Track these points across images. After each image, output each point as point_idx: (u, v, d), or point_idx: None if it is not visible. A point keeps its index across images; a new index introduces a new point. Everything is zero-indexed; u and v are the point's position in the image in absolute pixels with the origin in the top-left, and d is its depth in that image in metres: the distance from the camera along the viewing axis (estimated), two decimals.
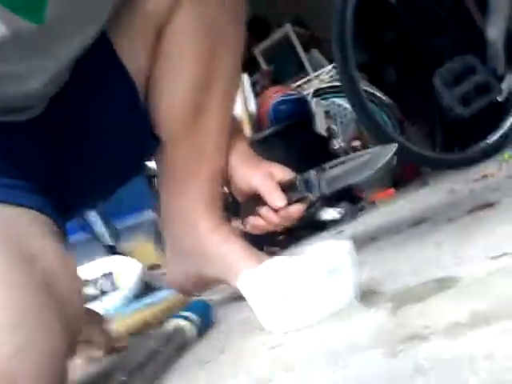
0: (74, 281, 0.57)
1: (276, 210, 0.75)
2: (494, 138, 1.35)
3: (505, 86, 1.27)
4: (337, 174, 0.73)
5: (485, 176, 1.05)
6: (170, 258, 0.87)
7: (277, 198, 0.75)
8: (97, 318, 0.90)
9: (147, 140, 0.80)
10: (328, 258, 0.52)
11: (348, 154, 1.85)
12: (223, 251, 0.80)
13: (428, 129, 1.59)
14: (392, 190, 1.59)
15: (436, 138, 1.56)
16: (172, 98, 0.78)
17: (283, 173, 0.78)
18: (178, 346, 0.59)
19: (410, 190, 1.45)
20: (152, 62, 0.77)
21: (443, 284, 0.44)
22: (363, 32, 1.49)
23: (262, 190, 0.76)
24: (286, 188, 0.75)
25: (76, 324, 0.55)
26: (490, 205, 0.71)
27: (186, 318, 0.62)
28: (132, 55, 0.76)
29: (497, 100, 1.26)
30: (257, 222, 0.78)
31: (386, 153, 0.70)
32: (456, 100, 1.21)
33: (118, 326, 1.03)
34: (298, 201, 0.75)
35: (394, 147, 0.70)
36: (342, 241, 0.54)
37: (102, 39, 0.72)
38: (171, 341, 0.59)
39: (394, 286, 0.51)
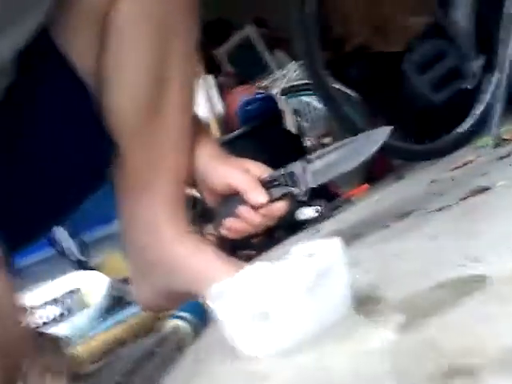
0: (10, 311, 0.45)
1: (256, 209, 0.65)
2: (465, 126, 1.27)
3: (475, 71, 1.19)
4: (325, 164, 0.63)
5: (465, 164, 0.97)
6: (135, 274, 0.75)
7: (258, 194, 0.64)
8: (56, 344, 0.78)
9: (104, 145, 0.70)
10: (316, 260, 0.41)
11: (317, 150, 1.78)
12: (192, 261, 0.69)
13: (397, 121, 1.51)
14: (366, 186, 1.50)
15: (406, 129, 1.48)
16: (123, 96, 0.68)
17: (260, 169, 0.68)
18: (174, 346, 0.55)
19: (384, 185, 1.37)
20: (100, 59, 0.67)
21: (466, 286, 0.34)
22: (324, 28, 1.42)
23: (240, 187, 0.66)
24: (267, 184, 0.65)
25: (11, 361, 0.44)
26: (485, 189, 0.62)
27: (181, 317, 0.58)
28: (79, 53, 0.67)
29: (465, 87, 1.18)
30: (235, 224, 0.67)
31: (380, 136, 0.61)
32: (427, 86, 1.13)
33: (84, 348, 0.91)
34: (280, 198, 0.65)
35: (388, 130, 0.60)
36: (329, 239, 0.43)
37: (45, 40, 0.63)
38: (167, 341, 0.55)
39: (398, 291, 0.40)
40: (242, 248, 1.32)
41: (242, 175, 0.68)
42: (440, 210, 0.62)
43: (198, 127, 0.74)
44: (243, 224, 0.68)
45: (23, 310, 0.48)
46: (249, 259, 1.30)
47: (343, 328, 0.37)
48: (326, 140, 1.70)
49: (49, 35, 0.65)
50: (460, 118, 1.26)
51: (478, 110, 1.26)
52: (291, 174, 0.65)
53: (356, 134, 1.30)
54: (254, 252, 1.32)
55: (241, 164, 0.70)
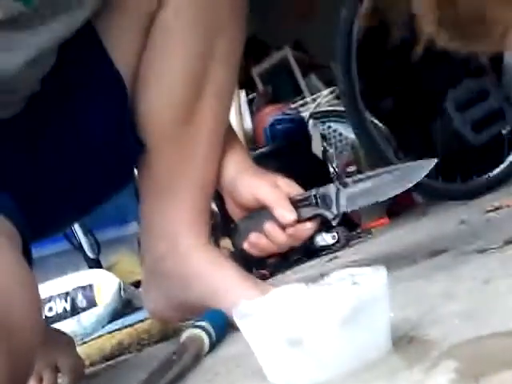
0: (30, 304, 0.42)
1: (283, 228, 0.61)
2: (497, 170, 1.23)
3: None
4: (361, 189, 0.60)
5: (499, 207, 0.92)
6: (148, 280, 0.72)
7: (286, 212, 0.61)
8: (65, 341, 0.74)
9: (131, 144, 0.67)
10: (359, 288, 0.37)
11: (341, 178, 1.75)
12: (210, 274, 0.65)
13: (429, 157, 1.47)
14: (387, 219, 1.45)
15: (436, 166, 1.44)
16: (159, 96, 0.65)
17: (292, 187, 0.64)
18: (193, 356, 0.52)
19: (406, 221, 1.32)
20: (140, 60, 0.65)
21: None
22: (361, 59, 1.40)
23: (268, 202, 0.62)
24: (297, 203, 0.62)
25: (27, 357, 0.40)
26: None
27: (201, 327, 0.56)
28: (120, 51, 0.65)
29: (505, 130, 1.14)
30: (259, 240, 0.63)
31: (424, 167, 0.57)
32: (468, 125, 1.09)
33: (90, 349, 0.87)
34: (309, 219, 0.61)
35: (432, 162, 0.56)
36: (375, 267, 0.39)
37: (90, 32, 0.62)
38: (185, 350, 0.52)
39: (446, 333, 0.36)
40: (257, 267, 1.27)
41: (272, 190, 0.64)
42: (482, 252, 0.57)
43: (230, 136, 0.71)
44: (267, 242, 0.64)
45: (39, 302, 0.45)
46: (262, 279, 1.26)
47: (386, 368, 0.33)
48: (351, 169, 1.67)
49: (93, 28, 0.63)
50: (494, 161, 1.21)
51: None
52: (324, 196, 0.61)
53: (382, 166, 1.28)
54: (267, 272, 1.27)
55: (271, 179, 0.66)
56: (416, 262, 0.68)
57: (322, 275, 0.41)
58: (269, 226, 0.63)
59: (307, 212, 0.62)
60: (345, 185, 0.62)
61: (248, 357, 0.40)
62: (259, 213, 0.65)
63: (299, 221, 0.62)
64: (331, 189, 0.62)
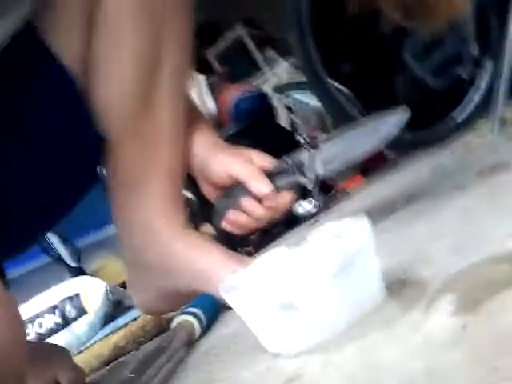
0: (12, 329, 0.39)
1: (261, 201, 0.59)
2: (461, 112, 1.23)
3: (473, 56, 1.15)
4: (336, 150, 0.57)
5: (467, 149, 0.91)
6: (133, 277, 0.69)
7: (262, 184, 0.58)
8: (60, 353, 0.72)
9: (92, 140, 0.63)
10: (343, 240, 0.35)
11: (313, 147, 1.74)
12: (193, 257, 0.63)
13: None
14: (361, 178, 1.44)
15: None
16: (114, 89, 0.61)
17: (264, 159, 0.61)
18: (184, 341, 0.51)
19: (380, 177, 1.31)
20: (87, 48, 0.61)
21: None
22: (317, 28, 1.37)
23: (243, 177, 0.60)
24: (271, 175, 0.59)
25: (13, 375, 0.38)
26: (503, 165, 0.56)
27: (190, 313, 0.55)
28: (64, 42, 0.60)
29: (464, 72, 1.14)
30: (237, 217, 0.61)
31: (399, 117, 0.55)
32: (428, 71, 1.08)
33: (88, 356, 0.85)
34: (286, 189, 0.59)
35: (407, 109, 0.54)
36: (355, 218, 0.37)
37: (29, 31, 0.57)
38: (177, 337, 0.51)
39: (436, 271, 0.34)
40: (240, 245, 1.26)
41: (245, 164, 0.62)
42: (458, 188, 0.55)
43: (195, 117, 0.68)
44: (246, 218, 0.62)
45: (22, 323, 0.42)
46: (248, 255, 1.24)
47: (383, 316, 0.31)
48: (320, 136, 1.66)
49: (34, 30, 0.59)
50: (455, 104, 1.21)
51: (476, 95, 1.21)
52: (298, 163, 0.59)
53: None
54: (252, 249, 1.26)
55: (243, 153, 0.64)
56: (399, 209, 0.67)
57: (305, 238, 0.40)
58: (245, 202, 0.61)
59: (283, 182, 0.60)
60: (317, 148, 0.60)
61: (243, 334, 0.38)
62: (235, 190, 0.63)
63: (277, 191, 0.60)
64: (304, 154, 0.60)
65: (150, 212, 0.64)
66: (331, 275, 0.33)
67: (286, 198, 0.61)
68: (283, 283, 0.33)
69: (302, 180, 0.60)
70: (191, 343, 0.51)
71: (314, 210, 1.25)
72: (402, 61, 1.12)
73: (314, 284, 0.33)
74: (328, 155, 0.59)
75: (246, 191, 0.61)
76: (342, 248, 0.34)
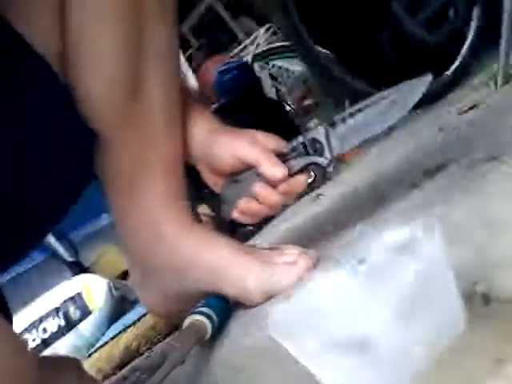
0: (11, 356, 0.34)
1: (274, 186, 0.53)
2: (454, 67, 1.17)
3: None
4: (352, 126, 0.52)
5: (472, 107, 0.86)
6: (139, 280, 0.63)
7: (275, 167, 0.53)
8: (71, 366, 0.67)
9: (82, 136, 0.56)
10: (410, 259, 0.28)
11: (300, 115, 1.68)
12: (201, 256, 0.57)
13: (384, 68, 1.40)
14: (359, 147, 1.39)
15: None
16: (97, 78, 0.54)
17: (273, 139, 0.56)
18: (194, 341, 0.49)
19: (377, 144, 1.25)
20: (63, 34, 0.54)
21: None
22: None
23: (253, 160, 0.54)
24: (284, 156, 0.54)
25: None
26: None
27: (201, 313, 0.52)
28: (37, 31, 0.53)
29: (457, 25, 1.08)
30: (250, 206, 0.56)
31: (419, 86, 0.49)
32: (420, 26, 1.02)
33: (99, 362, 0.80)
34: (301, 171, 0.54)
35: (429, 77, 0.49)
36: (418, 223, 0.29)
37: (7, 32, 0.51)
38: (186, 336, 0.49)
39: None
40: (240, 226, 1.21)
41: (253, 146, 0.56)
42: (489, 160, 0.50)
43: (189, 99, 0.62)
44: (258, 205, 0.57)
45: (24, 346, 0.37)
46: (249, 235, 1.20)
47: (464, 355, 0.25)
48: (308, 102, 1.59)
49: (5, 22, 0.51)
50: (451, 58, 1.16)
51: (467, 49, 1.16)
52: (313, 141, 0.54)
53: (336, 91, 1.21)
54: (252, 228, 1.21)
55: (249, 135, 0.57)
56: (416, 186, 0.62)
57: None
58: (259, 188, 0.55)
59: (298, 163, 0.55)
60: (333, 125, 0.54)
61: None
62: (244, 175, 0.57)
63: (290, 175, 0.54)
64: (320, 132, 0.55)
65: (149, 210, 0.59)
66: (405, 307, 0.27)
67: (301, 180, 0.55)
68: (347, 317, 0.27)
69: (318, 160, 0.55)
70: (201, 343, 0.49)
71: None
72: (393, 15, 1.06)
73: (386, 318, 0.27)
74: (345, 132, 0.54)
75: (258, 176, 0.55)
76: (414, 271, 0.27)
